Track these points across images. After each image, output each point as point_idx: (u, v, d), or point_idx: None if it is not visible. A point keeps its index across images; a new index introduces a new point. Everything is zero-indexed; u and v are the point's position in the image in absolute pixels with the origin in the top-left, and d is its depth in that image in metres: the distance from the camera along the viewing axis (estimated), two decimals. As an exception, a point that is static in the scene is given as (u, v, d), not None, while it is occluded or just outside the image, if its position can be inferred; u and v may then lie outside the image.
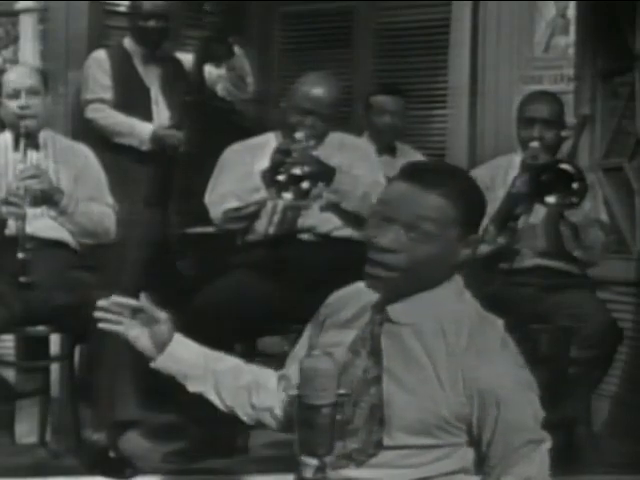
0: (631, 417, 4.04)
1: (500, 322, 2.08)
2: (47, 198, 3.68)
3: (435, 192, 1.96)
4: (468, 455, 1.99)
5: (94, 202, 3.79)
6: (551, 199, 3.73)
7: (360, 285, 2.09)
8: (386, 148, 4.77)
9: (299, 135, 3.66)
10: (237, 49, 4.91)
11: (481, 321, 2.04)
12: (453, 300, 2.04)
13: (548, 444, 2.03)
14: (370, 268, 1.99)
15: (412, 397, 1.94)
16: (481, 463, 1.99)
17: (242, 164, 3.76)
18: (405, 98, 4.97)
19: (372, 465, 1.97)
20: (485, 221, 3.81)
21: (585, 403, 3.90)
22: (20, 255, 3.58)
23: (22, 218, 3.61)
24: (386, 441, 1.96)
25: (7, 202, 3.61)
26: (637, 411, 4.00)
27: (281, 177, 3.57)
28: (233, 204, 3.73)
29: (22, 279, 3.56)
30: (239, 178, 3.73)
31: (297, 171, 3.57)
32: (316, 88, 3.75)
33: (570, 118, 4.21)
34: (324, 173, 3.65)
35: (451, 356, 1.96)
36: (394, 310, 2.02)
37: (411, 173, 2.00)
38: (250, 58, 5.05)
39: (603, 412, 4.21)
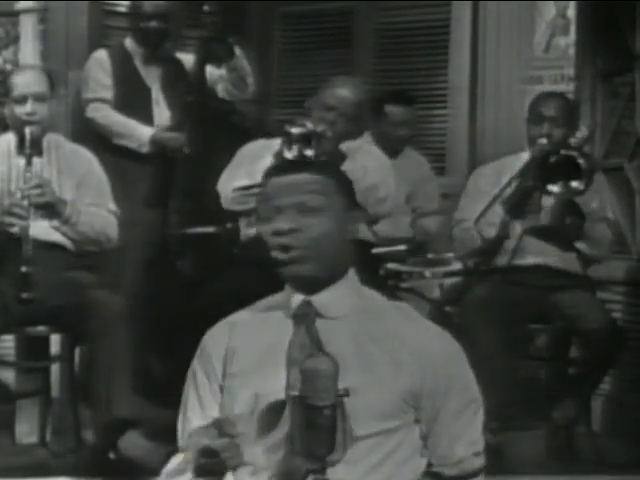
0: (631, 417, 4.04)
1: (404, 303, 2.20)
2: (50, 209, 3.68)
3: (310, 171, 2.08)
4: (416, 434, 2.06)
5: (96, 209, 3.79)
6: (555, 188, 3.75)
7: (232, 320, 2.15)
8: (390, 151, 4.77)
9: (319, 128, 3.69)
10: (237, 50, 4.90)
11: (392, 302, 2.15)
12: (363, 288, 2.12)
13: (482, 409, 2.12)
14: (278, 254, 2.03)
15: (372, 383, 1.96)
16: (424, 439, 2.06)
17: (258, 155, 3.78)
18: (414, 105, 4.95)
19: (345, 462, 1.94)
20: (497, 205, 3.85)
21: (585, 403, 3.90)
22: (23, 269, 3.57)
23: (25, 230, 3.61)
24: (357, 432, 1.95)
25: (10, 213, 3.61)
26: (636, 411, 4.00)
27: (294, 130, 3.63)
28: (243, 182, 3.74)
29: (24, 295, 3.56)
30: (252, 163, 3.75)
31: (309, 152, 3.62)
32: (342, 88, 3.82)
33: (582, 130, 4.21)
34: (334, 154, 3.69)
35: (390, 337, 2.04)
36: (322, 307, 2.06)
37: (281, 168, 2.14)
38: (250, 59, 5.04)
39: (603, 412, 4.21)
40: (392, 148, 4.74)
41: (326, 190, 2.06)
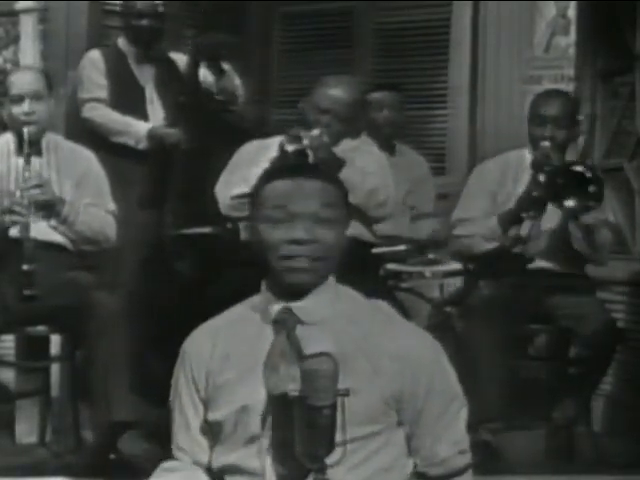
0: (631, 417, 4.04)
1: (382, 302, 2.15)
2: (50, 208, 3.68)
3: (318, 178, 2.06)
4: (401, 436, 2.05)
5: (95, 208, 3.79)
6: (570, 202, 3.72)
7: (217, 322, 2.13)
8: (385, 146, 4.77)
9: (315, 132, 3.67)
10: (226, 65, 4.86)
11: (371, 303, 2.12)
12: (342, 290, 2.10)
13: (466, 408, 2.10)
14: (290, 262, 2.01)
15: (354, 388, 1.93)
16: (408, 441, 2.06)
17: (255, 158, 3.77)
18: (402, 93, 4.97)
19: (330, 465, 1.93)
20: (493, 219, 3.84)
21: (585, 403, 3.90)
22: (25, 267, 3.57)
23: (26, 227, 3.61)
24: (339, 437, 1.93)
25: (11, 211, 3.61)
26: (636, 411, 4.00)
27: (289, 148, 3.63)
28: (241, 189, 3.74)
29: (27, 292, 3.56)
30: (249, 167, 3.75)
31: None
32: (335, 89, 3.78)
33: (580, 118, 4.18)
34: (332, 162, 3.67)
35: (370, 340, 2.02)
36: (303, 312, 2.03)
37: (294, 169, 2.12)
38: (240, 71, 5.00)
39: (603, 412, 4.21)
40: (382, 135, 4.74)
41: (335, 201, 2.05)
